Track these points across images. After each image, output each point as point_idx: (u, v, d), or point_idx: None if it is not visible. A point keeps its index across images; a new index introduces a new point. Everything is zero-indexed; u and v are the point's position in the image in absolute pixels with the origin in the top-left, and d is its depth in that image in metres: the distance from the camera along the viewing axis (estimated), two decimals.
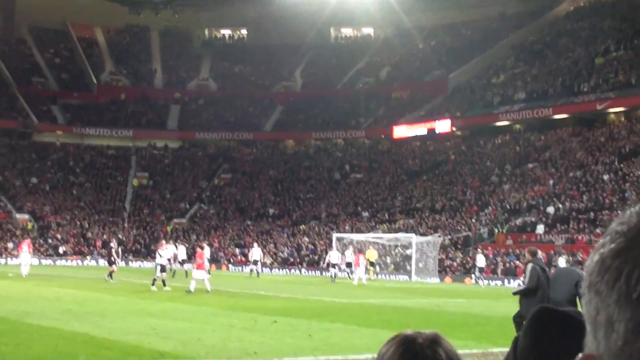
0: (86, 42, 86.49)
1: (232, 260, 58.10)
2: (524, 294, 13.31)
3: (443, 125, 66.39)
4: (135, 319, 18.89)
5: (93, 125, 76.11)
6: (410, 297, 30.30)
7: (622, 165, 50.90)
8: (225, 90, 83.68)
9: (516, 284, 34.62)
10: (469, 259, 48.04)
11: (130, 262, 57.52)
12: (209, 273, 42.05)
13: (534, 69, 66.55)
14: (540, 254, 14.23)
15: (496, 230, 50.64)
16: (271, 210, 67.35)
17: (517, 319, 13.25)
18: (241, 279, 42.73)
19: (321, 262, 50.74)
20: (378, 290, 34.88)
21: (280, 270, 54.65)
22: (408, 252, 49.02)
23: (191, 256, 41.85)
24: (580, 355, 0.88)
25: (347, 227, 57.54)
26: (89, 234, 63.94)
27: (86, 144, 76.25)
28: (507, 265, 45.60)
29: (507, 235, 49.64)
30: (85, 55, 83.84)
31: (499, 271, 45.69)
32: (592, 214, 46.69)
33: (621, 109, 56.95)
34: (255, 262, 45.93)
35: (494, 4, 77.56)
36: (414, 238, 48.24)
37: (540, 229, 48.23)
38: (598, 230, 43.53)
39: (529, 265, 13.37)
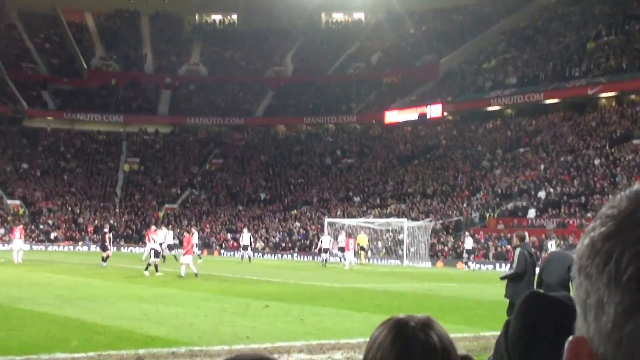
0: (76, 27, 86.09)
1: (223, 245, 58.15)
2: (512, 279, 13.36)
3: (434, 110, 66.42)
4: (128, 304, 18.90)
5: (83, 111, 75.89)
6: (401, 282, 30.40)
7: (613, 149, 51.05)
8: (216, 76, 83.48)
9: (507, 268, 34.75)
10: (460, 243, 48.21)
11: (122, 248, 57.49)
12: (200, 258, 42.25)
13: (525, 54, 66.57)
14: (528, 238, 14.26)
15: (487, 215, 50.78)
16: (262, 195, 67.37)
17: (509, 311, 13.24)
18: (233, 264, 42.76)
19: (313, 247, 50.83)
20: (370, 275, 34.97)
21: (273, 255, 54.73)
22: (400, 236, 49.15)
23: (181, 241, 41.90)
24: (570, 337, 0.89)
25: (338, 212, 57.59)
26: (80, 220, 63.87)
27: (77, 130, 76.05)
28: (499, 249, 45.76)
29: (499, 220, 49.77)
30: (75, 40, 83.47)
31: (490, 255, 45.88)
32: (583, 198, 46.87)
33: (612, 93, 57.07)
34: (245, 248, 45.99)
35: None
36: (405, 223, 48.36)
37: (531, 213, 48.37)
38: (589, 215, 43.68)
39: (517, 250, 13.41)
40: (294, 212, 62.14)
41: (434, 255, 48.18)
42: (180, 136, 78.42)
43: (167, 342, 12.72)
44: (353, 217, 54.13)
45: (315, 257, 48.97)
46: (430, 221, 50.44)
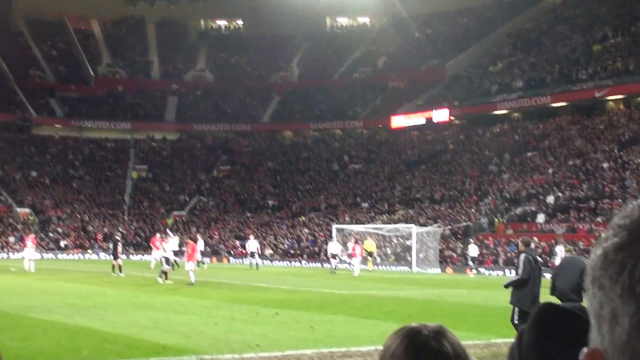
0: (82, 34, 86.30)
1: (232, 252, 58.12)
2: (516, 285, 13.31)
3: (441, 115, 66.33)
4: (138, 312, 18.93)
5: (91, 118, 76.05)
6: (411, 288, 30.35)
7: (621, 153, 50.81)
8: (222, 81, 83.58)
9: (514, 274, 34.58)
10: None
11: (131, 255, 57.50)
12: (204, 264, 42.22)
13: (531, 57, 66.45)
14: (533, 244, 14.26)
15: (496, 220, 50.57)
16: (270, 202, 67.35)
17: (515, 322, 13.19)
18: (242, 271, 42.79)
19: (322, 254, 50.77)
20: (379, 281, 34.92)
21: (281, 262, 54.70)
22: (408, 242, 48.99)
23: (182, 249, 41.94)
24: (585, 349, 0.88)
25: (346, 218, 57.53)
26: (90, 228, 63.94)
27: (85, 137, 76.19)
28: (508, 255, 45.41)
29: (508, 225, 49.53)
30: (82, 47, 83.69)
31: (500, 261, 45.57)
32: (592, 202, 46.51)
33: (620, 96, 56.91)
34: (252, 254, 45.93)
35: None
36: (414, 228, 48.21)
37: (540, 218, 48.09)
38: (599, 219, 43.47)
39: (522, 256, 13.36)
40: (302, 218, 62.09)
41: (442, 261, 47.94)
42: (187, 143, 78.51)
43: (177, 351, 12.75)
44: (361, 223, 54.06)
45: (324, 264, 48.90)
46: (439, 227, 50.27)
